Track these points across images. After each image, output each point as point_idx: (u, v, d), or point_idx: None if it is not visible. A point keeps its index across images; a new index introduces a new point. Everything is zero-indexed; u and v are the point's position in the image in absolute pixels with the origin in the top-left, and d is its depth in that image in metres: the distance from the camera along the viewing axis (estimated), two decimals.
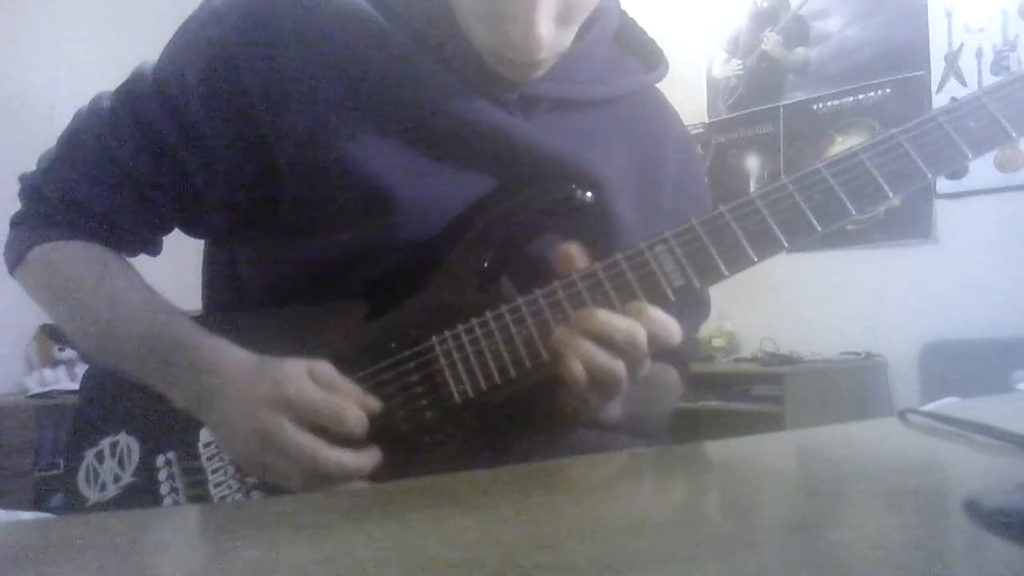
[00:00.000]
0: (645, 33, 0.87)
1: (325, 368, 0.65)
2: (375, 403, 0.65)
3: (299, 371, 0.64)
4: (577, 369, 0.62)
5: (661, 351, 0.64)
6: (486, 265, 0.72)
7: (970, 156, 0.64)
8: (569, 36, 0.71)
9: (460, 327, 0.68)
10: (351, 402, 0.63)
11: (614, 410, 0.69)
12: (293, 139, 0.71)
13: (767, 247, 0.64)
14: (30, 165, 0.84)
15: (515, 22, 0.65)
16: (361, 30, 0.72)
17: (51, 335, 3.42)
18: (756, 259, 0.64)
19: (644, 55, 0.86)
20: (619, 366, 0.63)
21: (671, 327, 0.64)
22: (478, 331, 0.67)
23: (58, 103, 3.44)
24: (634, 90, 0.83)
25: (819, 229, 0.64)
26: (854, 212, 0.64)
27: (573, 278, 0.66)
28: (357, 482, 0.64)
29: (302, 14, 0.72)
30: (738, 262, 0.64)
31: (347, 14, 0.72)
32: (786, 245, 0.64)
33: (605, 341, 0.62)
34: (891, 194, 0.64)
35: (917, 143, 0.64)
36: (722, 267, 0.64)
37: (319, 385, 0.64)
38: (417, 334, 0.69)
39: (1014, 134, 0.64)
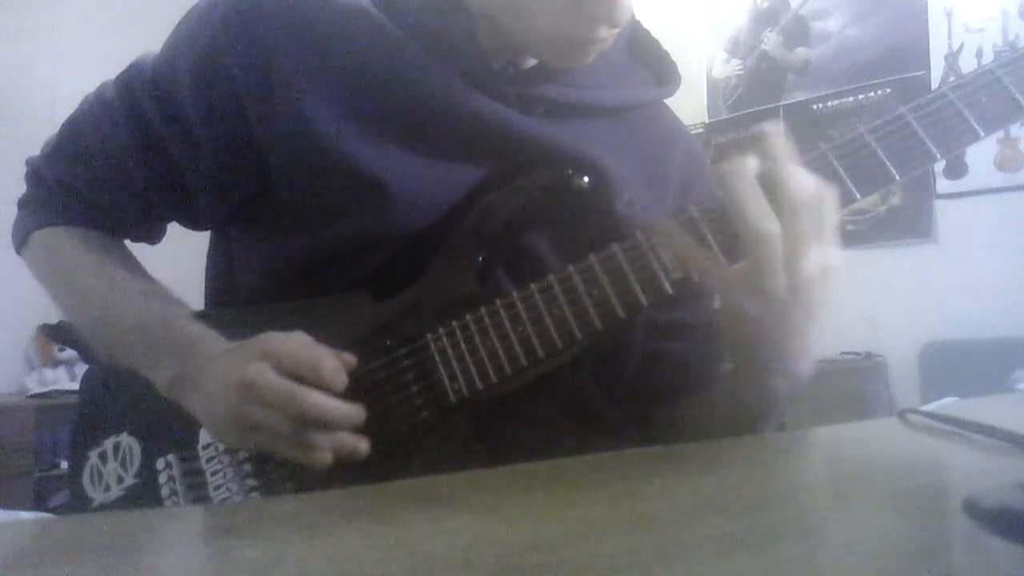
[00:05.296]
0: (659, 45, 0.85)
1: (302, 335, 0.66)
2: (351, 358, 0.66)
3: (278, 333, 0.66)
4: (742, 184, 0.60)
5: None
6: (480, 259, 0.71)
7: (982, 134, 0.62)
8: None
9: (455, 324, 0.67)
10: (329, 354, 0.64)
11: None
12: (282, 133, 0.71)
13: None
14: None
15: None
16: (353, 23, 0.72)
17: (51, 335, 3.41)
18: None
19: (657, 68, 0.84)
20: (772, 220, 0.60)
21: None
22: (473, 328, 0.67)
23: (58, 103, 3.43)
24: (641, 102, 0.81)
25: None
26: (858, 196, 0.64)
27: (569, 271, 0.65)
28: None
29: (293, 8, 0.72)
30: (736, 253, 0.63)
31: (340, 7, 0.72)
32: None
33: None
34: (897, 177, 0.62)
35: (925, 122, 0.62)
36: (721, 259, 0.64)
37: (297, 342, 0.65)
38: (412, 331, 0.69)
39: None
